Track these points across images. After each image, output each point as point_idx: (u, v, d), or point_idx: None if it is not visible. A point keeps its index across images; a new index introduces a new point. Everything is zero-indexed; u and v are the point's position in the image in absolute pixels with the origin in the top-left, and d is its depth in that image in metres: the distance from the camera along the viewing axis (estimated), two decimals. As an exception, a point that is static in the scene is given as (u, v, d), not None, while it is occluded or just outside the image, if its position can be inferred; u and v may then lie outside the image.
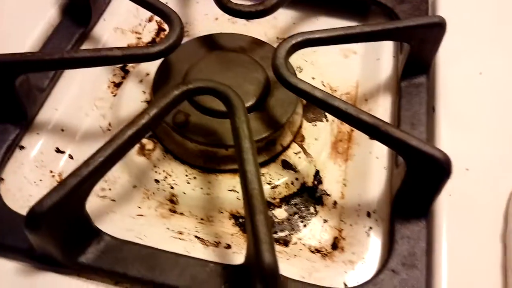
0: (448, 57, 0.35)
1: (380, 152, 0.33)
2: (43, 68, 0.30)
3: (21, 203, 0.29)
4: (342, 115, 0.27)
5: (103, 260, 0.26)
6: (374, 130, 0.27)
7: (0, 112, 0.31)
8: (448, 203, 0.28)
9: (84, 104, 0.35)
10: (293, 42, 0.31)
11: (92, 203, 0.26)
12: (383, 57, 0.39)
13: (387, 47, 0.39)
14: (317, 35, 0.31)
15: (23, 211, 0.27)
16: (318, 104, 0.28)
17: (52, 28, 0.36)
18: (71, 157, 0.33)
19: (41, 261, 0.25)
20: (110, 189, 0.31)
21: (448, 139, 0.31)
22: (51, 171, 0.32)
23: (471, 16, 0.38)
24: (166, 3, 0.42)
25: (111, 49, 0.29)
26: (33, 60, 0.28)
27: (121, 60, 0.30)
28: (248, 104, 0.32)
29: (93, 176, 0.24)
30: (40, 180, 0.31)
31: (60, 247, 0.25)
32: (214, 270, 0.26)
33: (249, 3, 0.41)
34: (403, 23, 0.32)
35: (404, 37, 0.33)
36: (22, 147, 0.31)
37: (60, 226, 0.24)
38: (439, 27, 0.32)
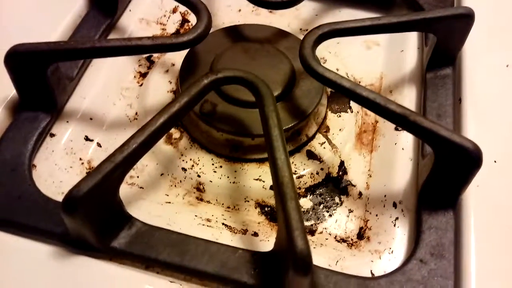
0: (474, 49, 0.35)
1: (405, 143, 0.33)
2: (75, 56, 0.30)
3: (52, 189, 0.30)
4: (370, 105, 0.27)
5: (134, 245, 0.26)
6: (402, 120, 0.27)
7: (32, 100, 0.31)
8: (475, 194, 0.28)
9: (111, 93, 0.36)
10: (320, 32, 0.31)
11: (121, 190, 0.26)
12: (407, 48, 0.39)
13: (411, 38, 0.39)
14: (344, 26, 0.31)
15: (55, 196, 0.28)
16: (345, 94, 0.28)
17: (80, 18, 0.37)
18: (99, 145, 0.33)
19: (75, 245, 0.26)
20: (138, 177, 0.32)
21: (475, 131, 0.31)
22: (81, 158, 0.32)
23: (497, 7, 0.38)
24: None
25: (140, 38, 0.30)
26: (67, 49, 0.29)
27: (151, 49, 0.30)
28: (274, 94, 0.32)
29: (127, 162, 0.24)
30: (70, 167, 0.32)
31: (94, 232, 0.25)
32: (243, 256, 0.26)
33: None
34: (431, 14, 0.32)
35: (432, 28, 0.33)
36: (52, 135, 0.32)
37: (94, 211, 0.24)
38: (467, 18, 0.32)
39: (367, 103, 0.28)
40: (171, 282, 0.26)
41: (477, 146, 0.25)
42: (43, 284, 0.25)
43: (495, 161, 0.30)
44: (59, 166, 0.31)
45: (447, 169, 0.27)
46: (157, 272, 0.26)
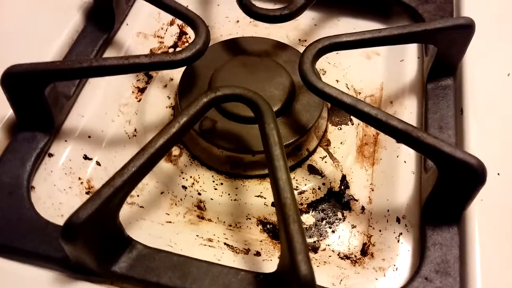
0: (475, 59, 0.35)
1: (407, 156, 0.32)
2: (72, 76, 0.30)
3: (52, 211, 0.29)
4: (372, 121, 0.27)
5: (135, 269, 0.26)
6: (405, 136, 0.26)
7: (30, 120, 0.31)
8: (480, 208, 0.28)
9: (109, 110, 0.35)
10: (320, 46, 0.30)
11: (121, 210, 0.26)
12: (407, 58, 0.38)
13: (411, 48, 0.39)
14: (343, 39, 0.31)
15: (54, 219, 0.28)
16: (346, 109, 0.28)
17: (77, 33, 0.36)
18: (98, 163, 0.33)
19: (75, 270, 0.26)
20: (138, 196, 0.32)
21: (478, 143, 0.31)
22: (80, 178, 0.32)
23: (497, 16, 0.38)
24: (187, 6, 0.43)
25: (138, 56, 0.29)
26: (64, 69, 0.28)
27: (149, 67, 0.30)
28: (274, 110, 0.31)
29: (127, 186, 0.24)
30: (70, 187, 0.31)
31: (94, 257, 0.25)
32: (246, 278, 0.26)
33: (271, 5, 0.41)
34: (431, 25, 0.31)
35: (432, 40, 0.32)
36: (51, 155, 0.32)
37: (95, 236, 0.24)
38: (468, 28, 0.32)
39: (368, 118, 0.27)
40: (173, 305, 0.25)
41: (480, 162, 0.25)
42: (44, 310, 0.25)
43: (498, 174, 0.29)
44: (58, 187, 0.31)
45: (451, 185, 0.27)
46: (159, 296, 0.26)
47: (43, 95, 0.30)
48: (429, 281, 0.26)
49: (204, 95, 0.28)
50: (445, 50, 0.33)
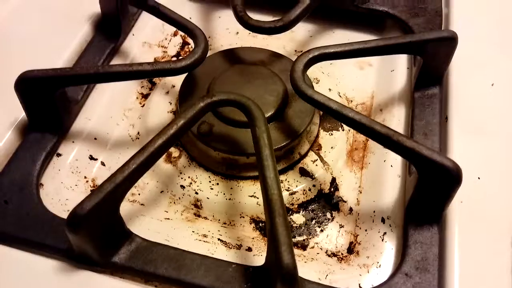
0: (460, 69, 0.37)
1: (394, 160, 0.34)
2: (81, 82, 0.33)
3: (58, 206, 0.32)
4: (356, 125, 0.29)
5: (134, 260, 0.28)
6: (386, 140, 0.28)
7: (40, 122, 0.33)
8: (459, 209, 0.30)
9: (114, 114, 0.38)
10: (310, 56, 0.32)
11: (123, 207, 0.28)
12: (397, 68, 0.40)
13: (401, 59, 0.41)
14: (332, 50, 0.33)
15: (61, 214, 0.30)
16: (333, 115, 0.30)
17: (86, 43, 0.39)
18: (103, 164, 0.35)
19: (78, 260, 0.28)
20: (139, 194, 0.34)
21: (460, 149, 0.32)
22: (85, 177, 0.34)
23: (483, 29, 0.40)
24: (190, 18, 0.45)
25: (141, 64, 0.32)
26: (73, 75, 0.31)
27: (151, 74, 0.32)
28: (267, 115, 0.34)
29: (127, 182, 0.26)
30: (76, 185, 0.33)
31: (96, 247, 0.27)
32: (237, 271, 0.27)
33: (268, 17, 0.43)
34: (416, 37, 0.33)
35: (417, 51, 0.34)
36: (59, 154, 0.34)
37: (97, 228, 0.26)
38: (451, 41, 0.33)
39: (353, 124, 0.29)
40: (168, 295, 0.27)
41: (456, 164, 0.27)
42: (49, 297, 0.27)
43: (478, 178, 0.31)
44: (65, 185, 0.33)
45: (430, 186, 0.28)
46: (155, 286, 0.28)
47: (53, 99, 0.32)
48: (409, 277, 0.28)
49: (201, 99, 0.30)
50: (430, 60, 0.35)
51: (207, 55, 0.35)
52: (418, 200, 0.30)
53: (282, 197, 0.26)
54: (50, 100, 0.32)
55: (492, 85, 0.36)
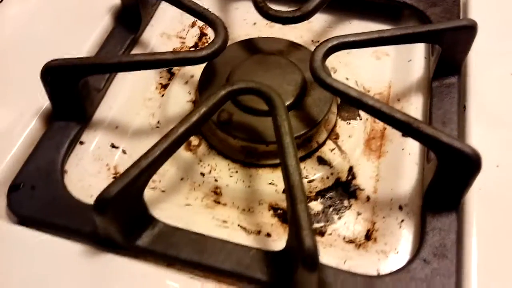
0: (479, 58, 0.37)
1: (412, 148, 0.34)
2: (104, 71, 0.33)
3: (82, 192, 0.32)
4: (376, 113, 0.29)
5: (157, 244, 0.28)
6: (406, 127, 0.28)
7: (64, 111, 0.34)
8: (478, 197, 0.30)
9: (135, 103, 0.38)
10: (329, 45, 0.33)
11: (145, 193, 0.29)
12: (414, 58, 0.40)
13: (419, 48, 0.41)
14: (351, 39, 0.33)
15: (85, 199, 0.31)
16: (352, 103, 0.30)
17: (107, 34, 0.40)
18: (124, 152, 0.36)
19: (103, 244, 0.28)
20: (160, 181, 0.34)
21: (478, 137, 0.32)
22: (107, 164, 0.35)
23: (502, 17, 0.39)
24: (208, 8, 0.46)
25: (163, 53, 0.32)
26: (96, 64, 0.31)
27: (173, 63, 0.32)
28: (286, 104, 0.34)
29: (151, 168, 0.27)
30: (98, 172, 0.34)
31: (121, 231, 0.28)
32: (257, 255, 0.28)
33: (285, 8, 0.44)
34: (434, 26, 0.34)
35: (435, 40, 0.34)
36: (82, 142, 0.35)
37: (122, 212, 0.27)
38: (470, 29, 0.33)
39: (373, 111, 0.29)
40: (190, 278, 0.28)
41: (476, 151, 0.27)
42: (74, 279, 0.28)
43: (497, 166, 0.31)
44: (88, 172, 0.34)
45: (449, 173, 0.28)
46: (178, 269, 0.28)
47: (77, 88, 0.33)
48: (427, 262, 0.28)
49: (222, 88, 0.30)
50: (448, 50, 0.35)
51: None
52: (437, 187, 0.30)
53: (303, 184, 0.26)
54: (74, 89, 0.33)
55: (511, 74, 0.36)
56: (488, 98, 0.35)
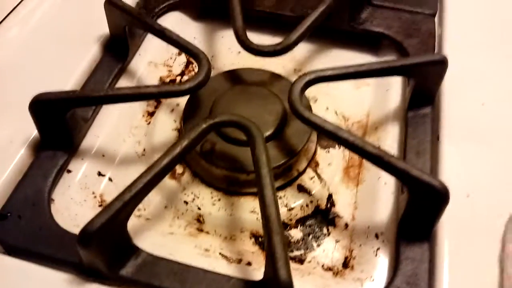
0: (452, 89, 0.38)
1: (388, 178, 0.36)
2: (91, 103, 0.34)
3: (68, 221, 0.33)
4: (350, 146, 0.31)
5: (140, 273, 0.29)
6: (378, 160, 0.30)
7: (51, 140, 0.35)
8: (449, 226, 0.31)
9: (122, 132, 0.39)
10: (307, 79, 0.34)
11: (129, 221, 0.30)
12: (392, 88, 0.42)
13: (396, 79, 0.42)
14: (328, 73, 0.34)
15: (71, 228, 0.31)
16: (329, 136, 0.32)
17: (95, 63, 0.41)
18: (110, 179, 0.37)
19: (88, 273, 0.29)
20: (145, 209, 0.35)
21: (451, 167, 0.34)
22: (93, 193, 0.36)
23: (475, 50, 0.41)
24: (194, 38, 0.47)
25: (148, 86, 0.34)
26: (83, 97, 0.33)
27: (157, 96, 0.34)
28: (267, 134, 0.35)
29: (134, 200, 0.28)
30: (85, 200, 0.35)
31: (105, 262, 0.28)
32: (237, 284, 0.29)
33: (268, 36, 0.45)
34: (408, 61, 0.35)
35: (409, 73, 0.36)
36: (69, 171, 0.36)
37: (106, 243, 0.28)
38: (441, 64, 0.35)
39: (347, 144, 0.31)
40: (172, 307, 0.29)
41: (444, 184, 0.28)
42: (60, 308, 0.28)
43: (468, 195, 0.33)
44: (75, 200, 0.35)
45: (420, 205, 0.30)
46: (160, 298, 0.29)
47: (64, 119, 0.34)
48: (400, 290, 0.29)
49: (204, 121, 0.32)
50: (422, 82, 0.36)
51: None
52: (410, 217, 0.31)
53: (280, 215, 0.27)
54: (61, 120, 0.34)
55: (483, 104, 0.38)
56: (461, 128, 0.36)
